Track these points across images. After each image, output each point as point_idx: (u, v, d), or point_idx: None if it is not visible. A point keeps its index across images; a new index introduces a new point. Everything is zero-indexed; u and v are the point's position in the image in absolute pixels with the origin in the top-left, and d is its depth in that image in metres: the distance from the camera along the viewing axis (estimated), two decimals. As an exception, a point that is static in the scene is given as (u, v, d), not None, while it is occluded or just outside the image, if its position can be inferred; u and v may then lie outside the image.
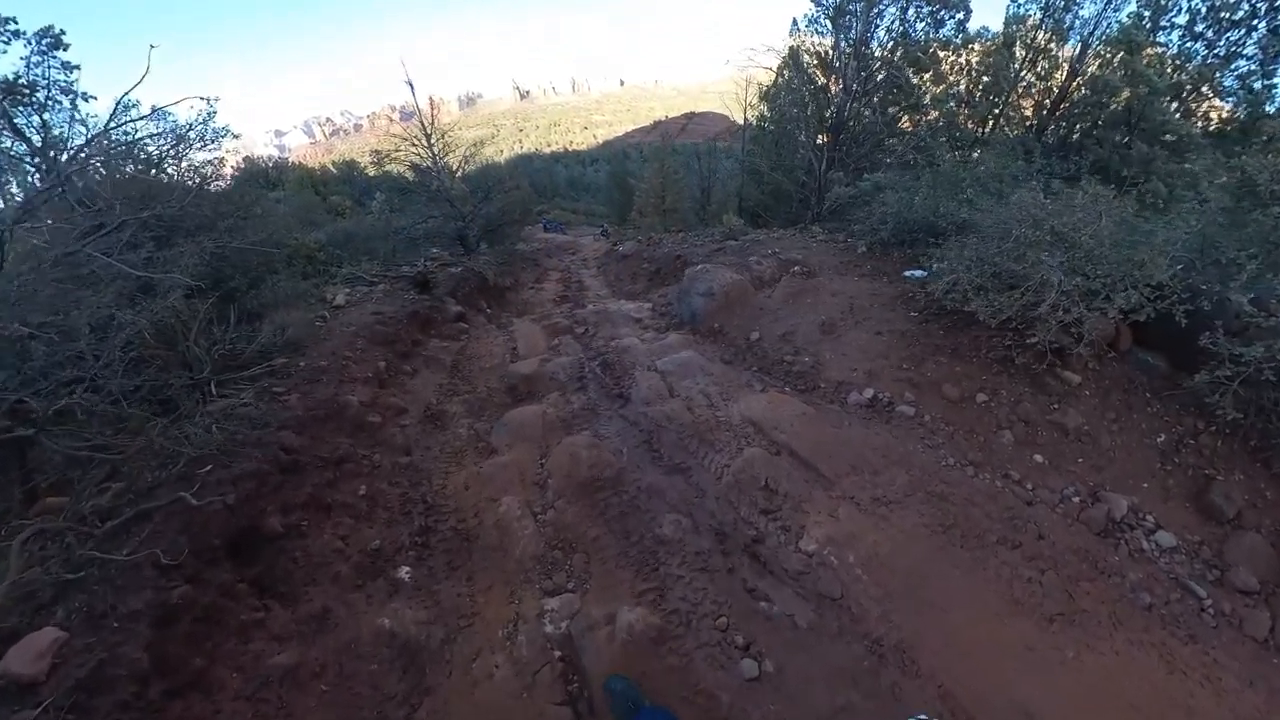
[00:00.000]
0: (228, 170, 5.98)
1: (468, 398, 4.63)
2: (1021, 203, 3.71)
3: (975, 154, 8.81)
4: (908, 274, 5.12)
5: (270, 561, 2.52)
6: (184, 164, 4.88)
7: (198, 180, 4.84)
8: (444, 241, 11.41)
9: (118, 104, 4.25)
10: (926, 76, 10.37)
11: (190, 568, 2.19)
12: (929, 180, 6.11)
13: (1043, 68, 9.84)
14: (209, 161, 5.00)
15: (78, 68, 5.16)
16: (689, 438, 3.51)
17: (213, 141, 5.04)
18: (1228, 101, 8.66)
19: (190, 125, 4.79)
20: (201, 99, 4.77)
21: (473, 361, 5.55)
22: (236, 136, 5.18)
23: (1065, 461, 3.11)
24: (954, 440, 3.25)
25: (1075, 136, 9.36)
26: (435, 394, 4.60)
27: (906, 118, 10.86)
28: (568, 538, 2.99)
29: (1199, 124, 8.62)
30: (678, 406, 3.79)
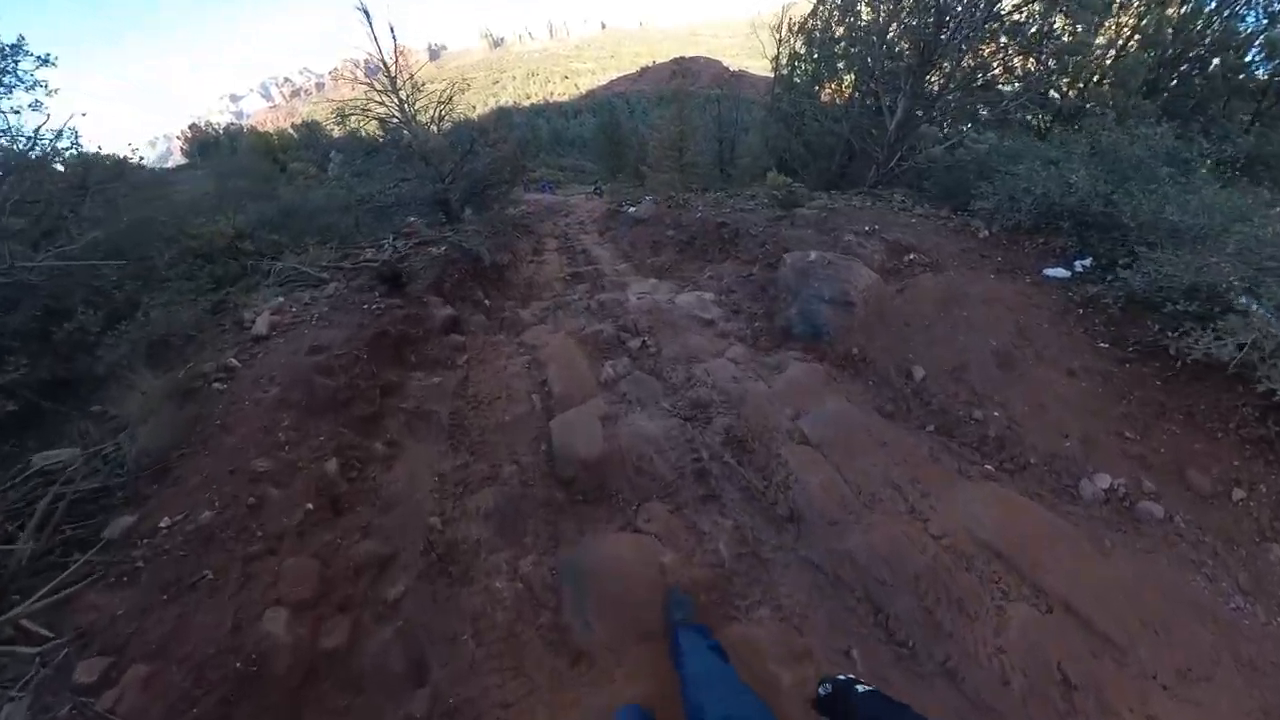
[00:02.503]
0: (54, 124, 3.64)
1: (491, 495, 2.71)
2: None
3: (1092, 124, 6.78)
4: (1049, 273, 4.11)
5: None
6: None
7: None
8: (420, 208, 9.21)
9: None
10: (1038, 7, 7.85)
11: None
12: (1083, 152, 5.00)
13: (1179, 13, 7.67)
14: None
15: None
16: (934, 600, 1.79)
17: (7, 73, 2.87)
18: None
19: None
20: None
21: (483, 411, 3.59)
22: (49, 61, 2.98)
23: (1342, 587, 2.33)
24: (1219, 559, 2.43)
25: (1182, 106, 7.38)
26: (435, 499, 2.67)
27: (1015, 60, 8.39)
28: None
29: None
30: (893, 533, 1.98)
